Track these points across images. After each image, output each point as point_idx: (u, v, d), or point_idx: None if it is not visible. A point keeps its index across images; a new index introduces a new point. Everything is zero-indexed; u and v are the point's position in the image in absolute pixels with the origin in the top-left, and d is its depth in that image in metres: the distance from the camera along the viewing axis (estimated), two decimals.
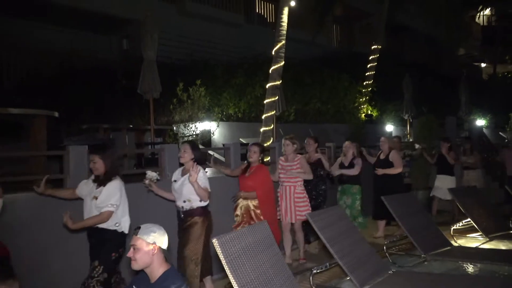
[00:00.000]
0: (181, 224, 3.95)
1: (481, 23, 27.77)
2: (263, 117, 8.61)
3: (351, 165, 6.02)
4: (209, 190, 3.86)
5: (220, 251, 2.53)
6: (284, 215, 5.18)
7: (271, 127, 8.59)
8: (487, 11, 26.85)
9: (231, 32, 14.57)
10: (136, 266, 2.34)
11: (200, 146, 6.30)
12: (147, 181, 3.92)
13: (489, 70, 25.97)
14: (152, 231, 2.37)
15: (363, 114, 13.12)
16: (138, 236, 2.37)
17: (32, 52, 10.20)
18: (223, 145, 6.49)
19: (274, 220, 4.78)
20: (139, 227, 2.42)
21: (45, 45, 10.58)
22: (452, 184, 7.36)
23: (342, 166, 6.11)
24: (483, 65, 27.57)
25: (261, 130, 8.50)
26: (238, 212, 4.78)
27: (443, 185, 7.36)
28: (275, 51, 8.64)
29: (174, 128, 7.88)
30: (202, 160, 4.16)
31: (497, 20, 25.97)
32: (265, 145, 7.79)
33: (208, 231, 3.96)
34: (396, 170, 6.30)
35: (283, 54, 8.61)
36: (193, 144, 4.06)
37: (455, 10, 14.17)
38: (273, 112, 8.67)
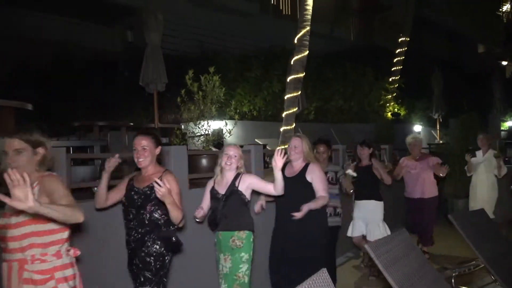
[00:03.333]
0: None
1: (504, 20, 26.52)
2: (283, 114, 7.57)
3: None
4: None
5: None
6: None
7: (293, 126, 7.53)
8: (507, 7, 25.65)
9: (244, 23, 13.49)
10: None
11: (213, 149, 5.25)
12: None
13: (511, 68, 24.87)
14: None
15: (389, 113, 11.96)
16: None
17: (23, 41, 9.15)
18: (241, 146, 5.40)
19: None
20: None
21: (37, 34, 9.55)
22: (379, 212, 4.54)
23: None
24: (504, 63, 26.44)
25: (281, 129, 7.49)
26: None
27: (368, 215, 4.52)
28: (298, 39, 7.58)
29: (182, 126, 6.80)
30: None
31: None
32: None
33: None
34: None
35: (307, 43, 7.55)
36: None
37: (484, 5, 13.18)
38: (294, 109, 7.60)
